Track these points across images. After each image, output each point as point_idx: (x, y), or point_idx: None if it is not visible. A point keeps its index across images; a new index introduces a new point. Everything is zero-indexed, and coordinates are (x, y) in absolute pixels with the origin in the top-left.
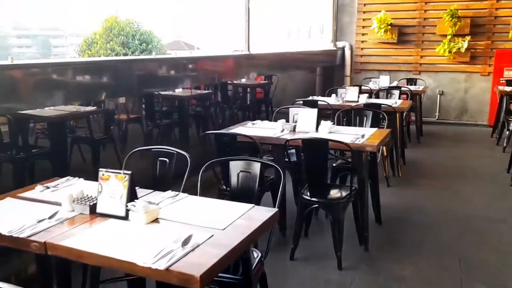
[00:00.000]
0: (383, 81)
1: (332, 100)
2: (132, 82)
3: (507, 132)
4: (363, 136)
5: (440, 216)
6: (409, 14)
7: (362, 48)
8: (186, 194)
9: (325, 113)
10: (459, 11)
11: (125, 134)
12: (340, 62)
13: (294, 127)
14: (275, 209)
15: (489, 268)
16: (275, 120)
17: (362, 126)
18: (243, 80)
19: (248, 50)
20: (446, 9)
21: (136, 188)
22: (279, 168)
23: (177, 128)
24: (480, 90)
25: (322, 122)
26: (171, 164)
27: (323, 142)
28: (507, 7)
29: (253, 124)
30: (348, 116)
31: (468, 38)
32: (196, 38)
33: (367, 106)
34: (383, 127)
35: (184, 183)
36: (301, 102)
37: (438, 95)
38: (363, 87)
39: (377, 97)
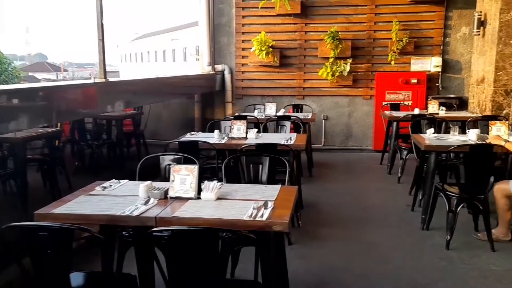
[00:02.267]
0: (270, 109)
1: (215, 137)
2: None
3: (401, 161)
4: (265, 205)
5: (359, 283)
6: (289, 35)
7: (243, 72)
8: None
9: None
10: (340, 33)
11: None
12: (220, 87)
13: None
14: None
15: None
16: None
17: (257, 178)
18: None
19: (105, 77)
20: (326, 31)
21: None
22: None
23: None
24: (363, 114)
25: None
26: None
27: None
28: (384, 29)
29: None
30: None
31: (350, 61)
32: (67, 56)
33: (261, 147)
34: (284, 179)
35: None
36: (177, 142)
37: (323, 120)
38: (248, 117)
39: (266, 129)
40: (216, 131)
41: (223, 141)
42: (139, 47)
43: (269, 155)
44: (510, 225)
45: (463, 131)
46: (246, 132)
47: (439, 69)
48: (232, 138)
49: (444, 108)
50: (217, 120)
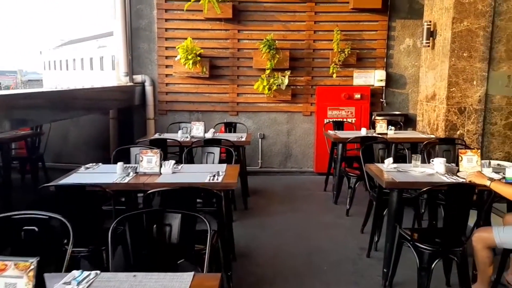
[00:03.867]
0: (197, 129)
1: (117, 172)
2: None
3: (349, 190)
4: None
5: None
6: (220, 43)
7: (167, 84)
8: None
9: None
10: (277, 42)
11: None
12: (140, 102)
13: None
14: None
15: None
16: None
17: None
18: None
19: None
20: (262, 39)
21: None
22: None
23: None
24: (303, 132)
25: None
26: None
27: None
28: (325, 39)
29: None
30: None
31: (288, 73)
32: None
33: (172, 198)
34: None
35: None
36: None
37: (260, 139)
38: (170, 140)
39: (191, 158)
40: (119, 165)
41: (126, 179)
42: (65, 54)
43: (181, 212)
44: (491, 282)
45: (412, 152)
46: (160, 165)
47: (383, 84)
48: (141, 173)
49: (393, 128)
50: (127, 147)
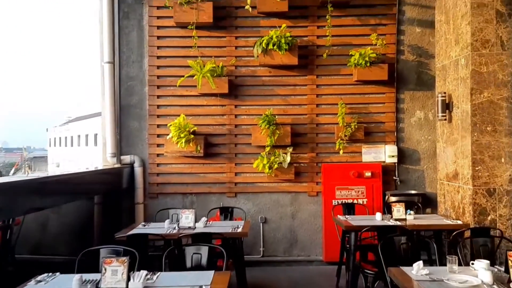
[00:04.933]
0: (186, 218)
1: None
2: None
3: None
4: None
5: None
6: (216, 119)
7: (158, 164)
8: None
9: None
10: (277, 117)
11: None
12: (128, 184)
13: None
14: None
15: None
16: None
17: None
18: None
19: None
20: (261, 114)
21: None
22: None
23: None
24: (310, 215)
25: None
26: None
27: None
28: (329, 113)
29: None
30: None
31: (290, 150)
32: None
33: None
34: None
35: None
36: None
37: (261, 224)
38: (152, 234)
39: (179, 258)
40: (76, 280)
41: None
42: (70, 131)
43: None
44: None
45: (436, 241)
46: (128, 278)
47: (395, 160)
48: None
49: (412, 212)
50: (96, 248)
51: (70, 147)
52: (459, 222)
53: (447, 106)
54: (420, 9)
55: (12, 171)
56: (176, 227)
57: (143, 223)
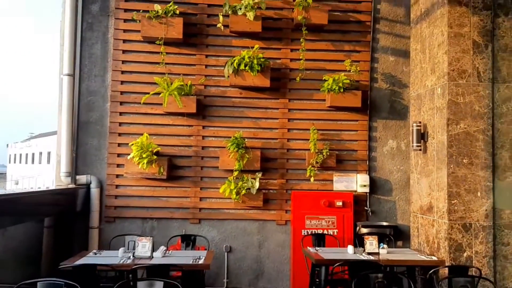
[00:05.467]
0: (142, 247)
1: None
2: None
3: None
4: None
5: None
6: (181, 140)
7: (117, 186)
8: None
9: None
10: (246, 140)
11: None
12: (83, 207)
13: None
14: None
15: None
16: None
17: None
18: None
19: None
20: (230, 137)
21: None
22: None
23: None
24: (278, 245)
25: None
26: None
27: None
28: (300, 138)
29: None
30: None
31: (259, 175)
32: None
33: None
34: None
35: None
36: None
37: (226, 253)
38: (102, 264)
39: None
40: None
41: None
42: (32, 148)
43: None
44: None
45: (409, 276)
46: None
47: (367, 189)
48: None
49: (385, 246)
50: (33, 281)
51: (31, 164)
52: (434, 258)
53: (422, 136)
54: (394, 38)
55: None
56: (131, 256)
57: (95, 250)
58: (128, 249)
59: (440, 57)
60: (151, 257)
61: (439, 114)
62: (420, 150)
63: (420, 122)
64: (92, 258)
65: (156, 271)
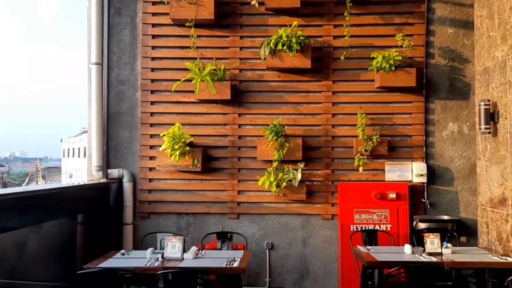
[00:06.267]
0: (172, 248)
1: None
2: None
3: None
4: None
5: None
6: (216, 129)
7: (150, 179)
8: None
9: None
10: (286, 127)
11: None
12: (116, 202)
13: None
14: None
15: None
16: None
17: None
18: None
19: None
20: (268, 125)
21: None
22: None
23: None
24: (324, 241)
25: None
26: None
27: None
28: (347, 124)
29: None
30: None
31: (301, 165)
32: None
33: None
34: None
35: None
36: None
37: (267, 250)
38: (122, 269)
39: None
40: None
41: None
42: (84, 142)
43: None
44: None
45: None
46: None
47: (424, 179)
48: None
49: (449, 245)
50: None
51: (83, 157)
52: (509, 259)
53: (492, 117)
54: (452, 6)
55: (26, 181)
56: (160, 258)
57: (123, 251)
58: (159, 249)
59: None
60: (181, 259)
61: None
62: (490, 133)
63: (488, 101)
64: (117, 259)
65: (182, 277)
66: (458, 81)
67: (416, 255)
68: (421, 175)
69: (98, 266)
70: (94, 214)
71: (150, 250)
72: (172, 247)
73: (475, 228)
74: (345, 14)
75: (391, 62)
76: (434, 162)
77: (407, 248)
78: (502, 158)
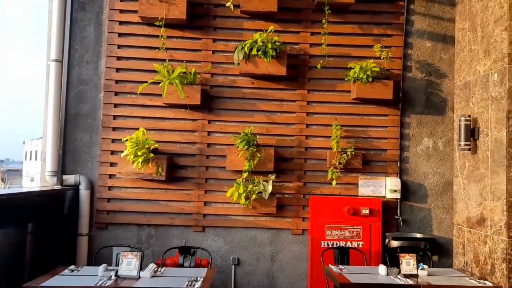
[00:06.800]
0: (127, 265)
1: None
2: None
3: None
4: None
5: None
6: (183, 136)
7: (110, 187)
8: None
9: None
10: (258, 136)
11: None
12: (70, 211)
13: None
14: None
15: None
16: None
17: None
18: None
19: None
20: (239, 133)
21: None
22: None
23: None
24: (293, 257)
25: None
26: None
27: None
28: (321, 135)
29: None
30: None
31: (272, 177)
32: None
33: None
34: None
35: None
36: None
37: (233, 266)
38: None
39: None
40: None
41: None
42: None
43: None
44: None
45: None
46: None
47: (398, 195)
48: None
49: (425, 266)
50: None
51: None
52: (488, 283)
53: (472, 133)
54: (431, 20)
55: None
56: (113, 276)
57: (72, 266)
58: (115, 265)
59: (498, 35)
60: (137, 277)
61: (495, 105)
62: (469, 149)
63: (469, 116)
64: (64, 278)
65: None
66: (435, 96)
67: (391, 276)
68: (395, 190)
69: (41, 285)
70: (46, 223)
71: (102, 267)
72: (128, 264)
73: (449, 247)
74: (323, 21)
75: (369, 73)
76: (408, 177)
77: (382, 269)
78: (482, 177)
